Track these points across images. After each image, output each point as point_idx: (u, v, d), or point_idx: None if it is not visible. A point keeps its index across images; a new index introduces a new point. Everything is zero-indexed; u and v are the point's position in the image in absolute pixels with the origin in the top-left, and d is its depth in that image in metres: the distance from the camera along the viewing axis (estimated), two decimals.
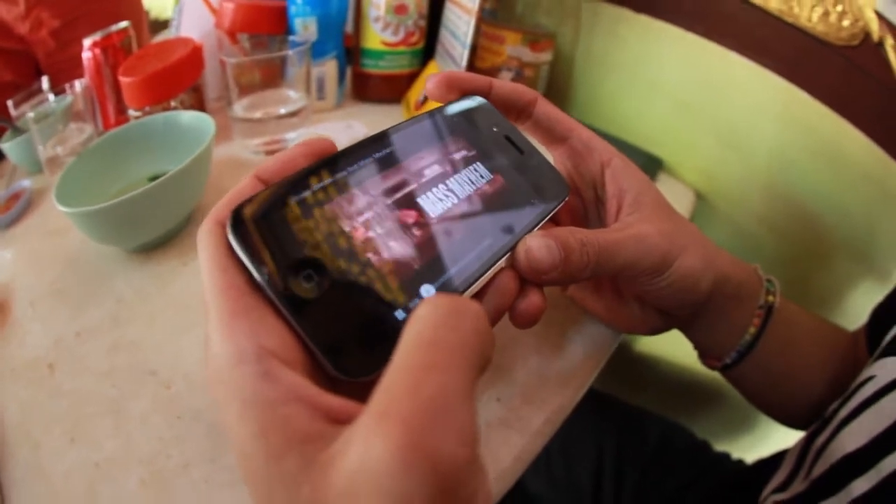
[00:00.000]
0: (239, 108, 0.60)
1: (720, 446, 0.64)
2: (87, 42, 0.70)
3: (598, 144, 0.34)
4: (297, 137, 0.62)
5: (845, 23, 0.58)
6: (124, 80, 0.61)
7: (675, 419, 0.66)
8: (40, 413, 0.36)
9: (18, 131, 0.67)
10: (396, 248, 0.23)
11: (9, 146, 0.66)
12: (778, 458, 0.44)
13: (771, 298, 0.38)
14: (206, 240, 0.22)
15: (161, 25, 1.61)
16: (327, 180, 0.24)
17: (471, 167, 0.28)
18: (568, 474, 0.63)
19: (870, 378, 0.33)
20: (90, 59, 0.70)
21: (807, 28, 0.60)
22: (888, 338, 0.36)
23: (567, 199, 0.31)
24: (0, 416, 0.36)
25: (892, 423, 0.30)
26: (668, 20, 0.69)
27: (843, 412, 0.33)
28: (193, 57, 0.63)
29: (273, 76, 0.61)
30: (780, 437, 0.67)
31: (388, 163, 0.26)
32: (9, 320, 0.44)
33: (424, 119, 0.29)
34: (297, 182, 0.23)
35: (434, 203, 0.26)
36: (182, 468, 0.32)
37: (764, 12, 0.63)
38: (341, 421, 0.18)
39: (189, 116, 0.54)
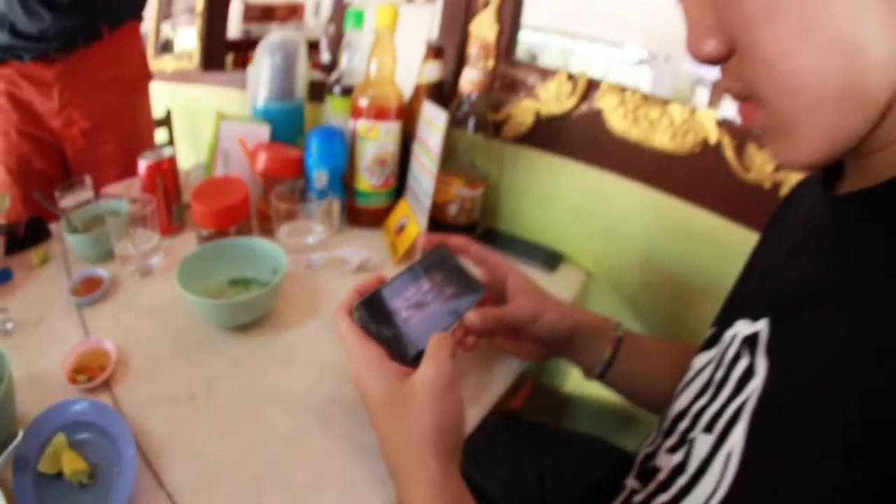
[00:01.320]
0: (282, 234, 0.84)
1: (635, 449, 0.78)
2: (142, 164, 0.88)
3: (501, 264, 0.66)
4: (321, 258, 0.86)
5: (689, 137, 0.81)
6: (198, 206, 0.82)
7: (604, 436, 0.80)
8: (191, 427, 0.58)
9: (70, 224, 0.84)
10: (417, 318, 0.54)
11: (79, 239, 0.82)
12: None
13: (619, 333, 0.65)
14: (342, 317, 0.53)
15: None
16: (387, 294, 0.54)
17: (444, 282, 0.58)
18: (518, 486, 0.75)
19: (690, 368, 0.51)
20: (147, 178, 0.88)
21: (660, 148, 0.84)
22: (702, 342, 0.52)
23: (484, 293, 0.61)
24: (150, 431, 0.57)
25: (699, 388, 0.46)
26: (563, 155, 0.95)
27: (677, 390, 0.51)
28: (247, 198, 0.86)
29: (296, 211, 0.85)
30: None
31: (411, 282, 0.57)
32: (131, 372, 0.64)
33: (422, 262, 0.60)
34: (376, 293, 0.54)
35: (431, 301, 0.56)
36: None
37: (628, 142, 0.87)
38: (407, 374, 0.49)
39: (265, 245, 0.78)
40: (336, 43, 1.25)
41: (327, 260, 0.87)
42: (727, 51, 0.36)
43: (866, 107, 0.34)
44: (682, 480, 0.41)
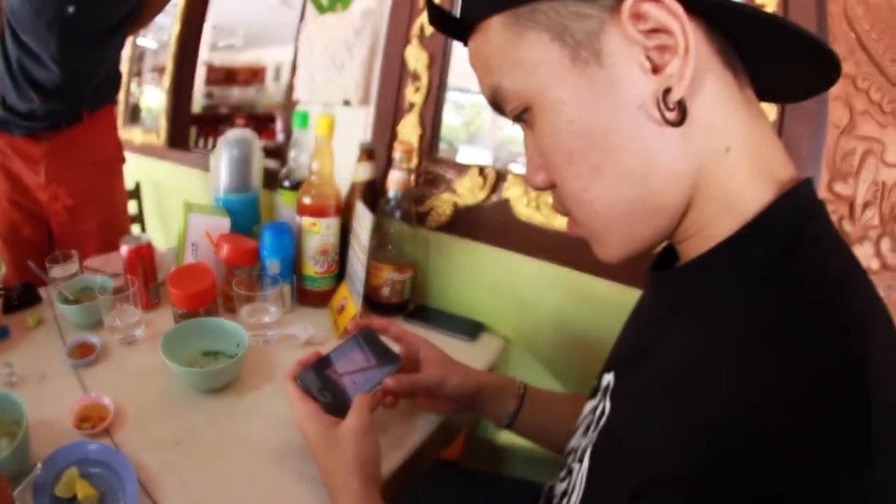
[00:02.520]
0: (244, 313, 0.98)
1: None
2: (124, 248, 1.00)
3: (414, 340, 0.79)
4: (274, 335, 0.99)
5: None
6: (175, 291, 0.95)
7: (538, 480, 0.80)
8: (178, 462, 0.69)
9: (61, 294, 0.98)
10: (346, 382, 0.70)
11: (74, 309, 0.95)
12: None
13: (521, 390, 0.77)
14: (290, 384, 0.69)
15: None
16: (324, 364, 0.71)
17: (368, 356, 0.74)
18: None
19: (581, 413, 0.57)
20: (128, 260, 1.00)
21: (560, 229, 0.98)
22: (589, 392, 0.58)
23: (401, 363, 0.75)
24: (146, 468, 0.67)
25: (584, 429, 0.52)
26: (479, 240, 1.10)
27: (572, 432, 0.58)
28: (214, 283, 1.00)
29: (254, 296, 0.99)
30: None
31: (343, 355, 0.73)
32: (127, 422, 0.75)
33: (355, 338, 0.76)
34: (317, 363, 0.72)
35: (358, 369, 0.72)
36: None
37: (533, 225, 1.02)
38: (338, 424, 0.64)
39: (233, 325, 0.91)
40: (287, 123, 1.41)
41: (280, 336, 1.01)
42: (551, 183, 0.46)
43: (658, 214, 0.42)
44: (565, 502, 0.50)
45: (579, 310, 1.01)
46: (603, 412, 0.48)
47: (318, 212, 1.07)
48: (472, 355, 0.82)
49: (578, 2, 0.39)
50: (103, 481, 0.65)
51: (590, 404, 0.55)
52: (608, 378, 0.51)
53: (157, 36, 2.20)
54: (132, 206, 1.90)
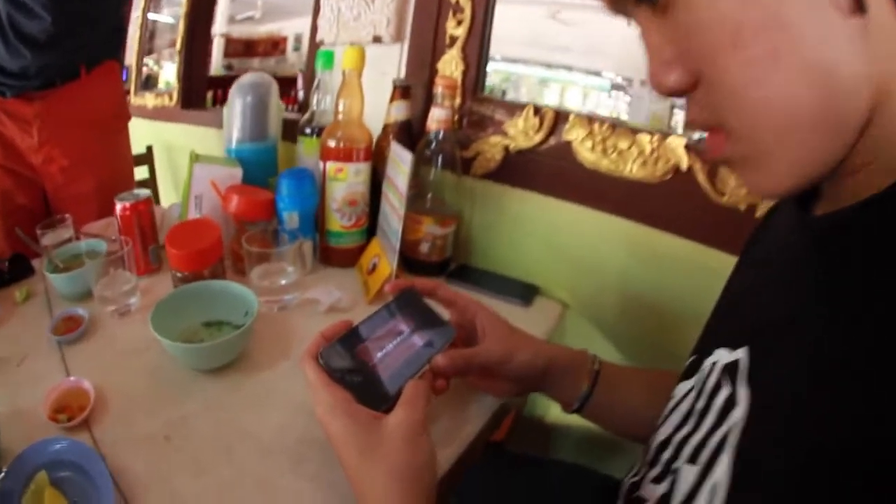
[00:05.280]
0: (255, 276, 0.84)
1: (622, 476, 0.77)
2: (118, 205, 0.88)
3: (470, 304, 0.66)
4: (293, 299, 0.85)
5: (659, 164, 0.82)
6: (172, 250, 0.82)
7: (589, 464, 0.78)
8: (167, 465, 0.57)
9: (51, 262, 0.85)
10: (385, 362, 0.54)
11: (61, 278, 0.83)
12: None
13: (596, 367, 0.64)
14: (309, 363, 0.52)
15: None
16: (354, 337, 0.55)
17: (412, 325, 0.58)
18: None
19: (672, 397, 0.50)
20: (123, 219, 0.89)
21: (631, 177, 0.85)
22: (681, 371, 0.51)
23: (454, 335, 0.60)
24: (128, 471, 0.56)
25: (681, 416, 0.45)
26: (534, 190, 0.95)
27: (660, 420, 0.50)
28: (220, 240, 0.86)
29: (268, 254, 0.85)
30: None
31: (379, 326, 0.57)
32: (110, 412, 0.63)
33: (392, 304, 0.60)
34: (344, 338, 0.54)
35: (399, 345, 0.56)
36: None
37: (598, 173, 0.88)
38: (378, 418, 0.48)
39: (238, 288, 0.78)
40: (309, 81, 1.26)
41: (299, 301, 0.87)
42: (691, 82, 0.35)
43: (840, 132, 0.33)
44: None
45: (651, 272, 0.88)
46: (733, 401, 0.38)
47: (344, 156, 0.91)
48: (526, 324, 0.68)
49: None
50: (76, 488, 0.54)
51: (684, 386, 0.48)
52: (731, 356, 0.41)
53: (173, 12, 2.10)
54: (143, 171, 1.82)
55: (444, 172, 0.94)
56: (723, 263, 0.70)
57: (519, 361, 0.61)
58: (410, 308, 0.61)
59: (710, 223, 0.78)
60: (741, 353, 0.40)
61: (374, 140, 0.97)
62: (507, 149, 0.97)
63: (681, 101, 0.38)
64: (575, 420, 0.66)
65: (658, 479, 0.45)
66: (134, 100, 2.04)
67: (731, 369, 0.40)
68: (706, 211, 0.78)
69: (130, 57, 2.09)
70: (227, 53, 2.84)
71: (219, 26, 2.89)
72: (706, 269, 0.76)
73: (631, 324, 0.93)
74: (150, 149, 1.87)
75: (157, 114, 1.90)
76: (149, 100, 1.96)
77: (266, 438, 0.61)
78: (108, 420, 0.63)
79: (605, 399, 0.64)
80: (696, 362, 0.47)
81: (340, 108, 0.92)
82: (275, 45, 2.81)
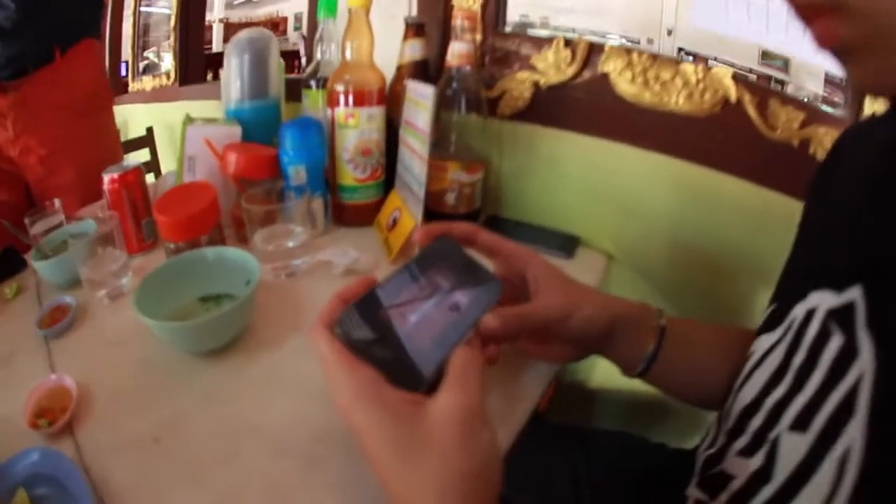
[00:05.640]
0: (258, 240, 0.74)
1: (674, 445, 0.70)
2: (106, 178, 0.80)
3: (519, 252, 0.54)
4: (303, 263, 0.76)
5: (707, 96, 0.73)
6: (162, 218, 0.74)
7: (636, 432, 0.74)
8: (154, 475, 0.48)
9: (40, 251, 0.77)
10: (420, 329, 0.42)
11: (45, 265, 0.75)
12: None
13: (662, 322, 0.54)
14: (321, 334, 0.40)
15: (130, 145, 1.73)
16: (377, 299, 0.43)
17: (450, 281, 0.47)
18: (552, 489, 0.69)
19: (752, 353, 0.45)
20: (111, 192, 0.80)
21: (676, 111, 0.75)
22: (761, 322, 0.46)
23: (502, 291, 0.48)
24: (113, 481, 0.47)
25: (770, 375, 0.40)
26: (569, 129, 0.85)
27: (738, 381, 0.45)
28: (215, 202, 0.77)
29: (274, 213, 0.76)
30: None
31: (409, 283, 0.45)
32: (93, 412, 0.55)
33: (422, 257, 0.48)
34: (366, 300, 0.42)
35: (436, 306, 0.44)
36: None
37: (640, 107, 0.78)
38: (417, 402, 0.37)
39: (235, 253, 0.68)
40: (311, 47, 1.17)
41: (310, 265, 0.77)
42: None
43: None
44: (768, 490, 0.35)
45: (702, 216, 0.79)
46: (851, 351, 0.33)
47: (356, 100, 0.82)
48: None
49: None
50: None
51: (766, 340, 0.43)
52: (838, 299, 0.36)
53: (167, 2, 2.06)
54: (144, 154, 1.78)
55: (468, 115, 0.84)
56: (778, 204, 0.69)
57: (581, 318, 0.51)
58: (445, 261, 0.49)
59: (763, 161, 0.71)
60: (853, 295, 0.34)
61: (388, 84, 0.87)
62: (536, 85, 0.86)
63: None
64: (617, 385, 0.58)
65: (747, 452, 0.40)
66: (132, 86, 2.03)
67: (841, 314, 0.35)
68: (758, 147, 0.71)
69: (126, 52, 2.10)
70: (227, 38, 2.76)
71: (217, 11, 2.82)
72: (761, 212, 0.71)
73: (682, 274, 0.84)
74: (150, 130, 1.82)
75: (157, 95, 1.85)
76: (147, 83, 1.93)
77: (274, 435, 0.52)
78: (92, 422, 0.54)
79: (672, 359, 0.54)
80: (778, 311, 0.43)
81: (348, 50, 0.82)
82: (275, 27, 2.72)
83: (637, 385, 0.57)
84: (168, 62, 2.05)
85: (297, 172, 0.82)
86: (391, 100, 0.87)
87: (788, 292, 0.42)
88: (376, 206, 0.89)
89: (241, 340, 0.63)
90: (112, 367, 0.61)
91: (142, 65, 2.12)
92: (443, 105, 0.83)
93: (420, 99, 0.75)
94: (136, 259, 0.83)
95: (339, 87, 0.82)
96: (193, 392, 0.57)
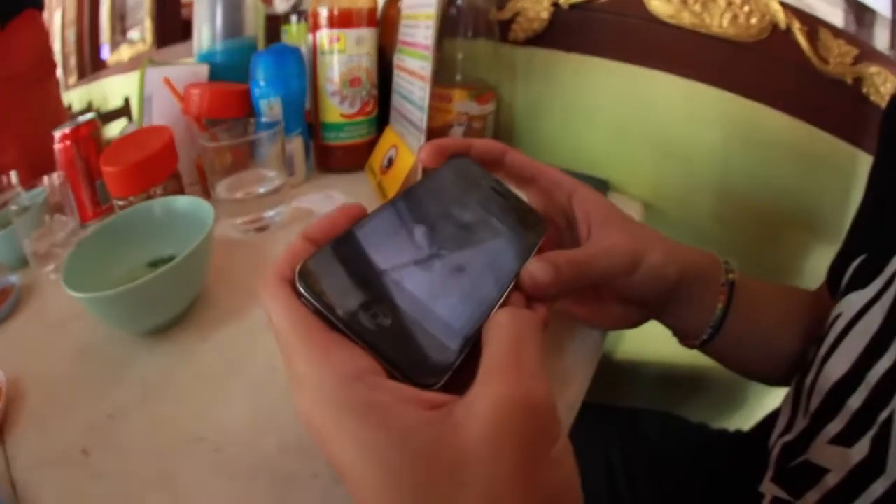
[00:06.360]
0: (221, 189, 0.62)
1: (716, 425, 0.65)
2: (57, 134, 0.70)
3: (562, 179, 0.40)
4: (277, 214, 0.64)
5: (753, 20, 0.64)
6: (107, 169, 0.62)
7: (669, 411, 0.67)
8: (83, 499, 0.35)
9: None
10: (433, 285, 0.27)
11: None
12: (773, 415, 0.45)
13: (731, 276, 0.42)
14: (276, 294, 0.25)
15: (108, 116, 1.63)
16: (367, 240, 0.27)
17: (473, 217, 0.33)
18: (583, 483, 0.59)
19: (838, 315, 0.37)
20: (62, 150, 0.69)
21: (719, 34, 0.67)
22: (846, 278, 0.39)
23: (547, 231, 0.35)
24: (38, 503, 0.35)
25: (869, 340, 0.34)
26: (595, 54, 0.75)
27: (823, 350, 0.37)
28: (170, 145, 0.65)
29: (244, 157, 0.63)
30: (768, 405, 0.66)
31: (413, 220, 0.30)
32: (25, 413, 0.42)
33: (431, 182, 0.33)
34: (345, 240, 0.27)
35: (455, 252, 0.30)
36: None
37: (678, 29, 0.69)
38: (438, 406, 0.22)
39: (185, 202, 0.56)
40: None
41: (288, 214, 0.65)
42: None
43: None
44: (880, 486, 0.30)
45: (749, 156, 0.70)
46: None
47: (341, 20, 0.69)
48: None
49: None
50: None
51: (857, 298, 0.36)
52: None
53: None
54: (119, 125, 1.63)
55: (476, 41, 0.72)
56: (832, 149, 0.63)
57: (648, 267, 0.38)
58: (467, 187, 0.35)
59: (815, 98, 0.64)
60: None
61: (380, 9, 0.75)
62: (555, 4, 0.74)
63: None
64: (648, 357, 0.59)
65: (845, 438, 0.34)
66: (111, 59, 1.94)
67: None
68: (809, 81, 0.63)
69: (104, 36, 2.00)
70: None
71: None
72: (813, 154, 0.65)
73: (726, 224, 0.75)
74: (127, 101, 1.71)
75: (135, 64, 1.75)
76: (125, 52, 1.84)
77: (230, 441, 0.38)
78: (21, 427, 0.41)
79: (741, 324, 0.43)
80: (871, 263, 0.37)
81: None
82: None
83: (667, 356, 0.46)
84: (146, 28, 1.97)
85: (270, 107, 0.69)
86: (385, 26, 0.74)
87: (881, 242, 0.37)
88: (367, 146, 0.76)
89: (194, 314, 0.51)
90: (49, 356, 0.49)
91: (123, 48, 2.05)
92: (446, 30, 0.71)
93: (420, 10, 0.62)
94: (92, 226, 0.70)
95: (322, 10, 0.69)
96: (130, 387, 0.43)
